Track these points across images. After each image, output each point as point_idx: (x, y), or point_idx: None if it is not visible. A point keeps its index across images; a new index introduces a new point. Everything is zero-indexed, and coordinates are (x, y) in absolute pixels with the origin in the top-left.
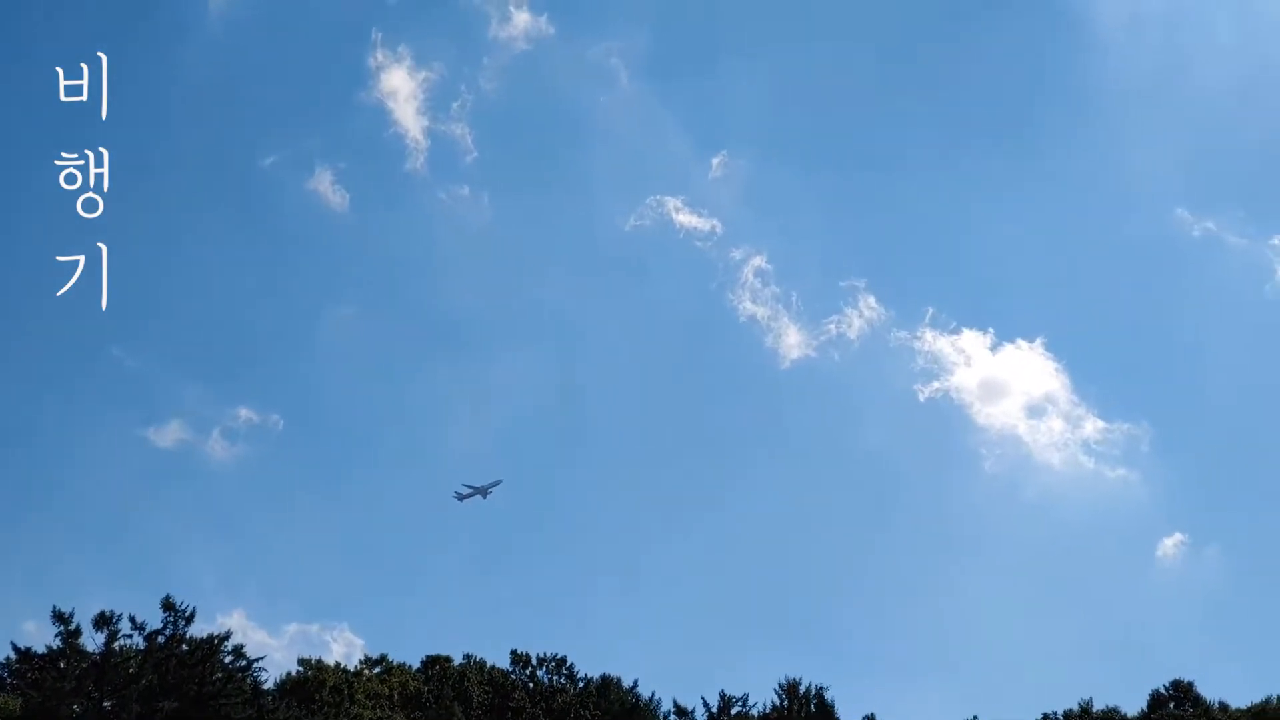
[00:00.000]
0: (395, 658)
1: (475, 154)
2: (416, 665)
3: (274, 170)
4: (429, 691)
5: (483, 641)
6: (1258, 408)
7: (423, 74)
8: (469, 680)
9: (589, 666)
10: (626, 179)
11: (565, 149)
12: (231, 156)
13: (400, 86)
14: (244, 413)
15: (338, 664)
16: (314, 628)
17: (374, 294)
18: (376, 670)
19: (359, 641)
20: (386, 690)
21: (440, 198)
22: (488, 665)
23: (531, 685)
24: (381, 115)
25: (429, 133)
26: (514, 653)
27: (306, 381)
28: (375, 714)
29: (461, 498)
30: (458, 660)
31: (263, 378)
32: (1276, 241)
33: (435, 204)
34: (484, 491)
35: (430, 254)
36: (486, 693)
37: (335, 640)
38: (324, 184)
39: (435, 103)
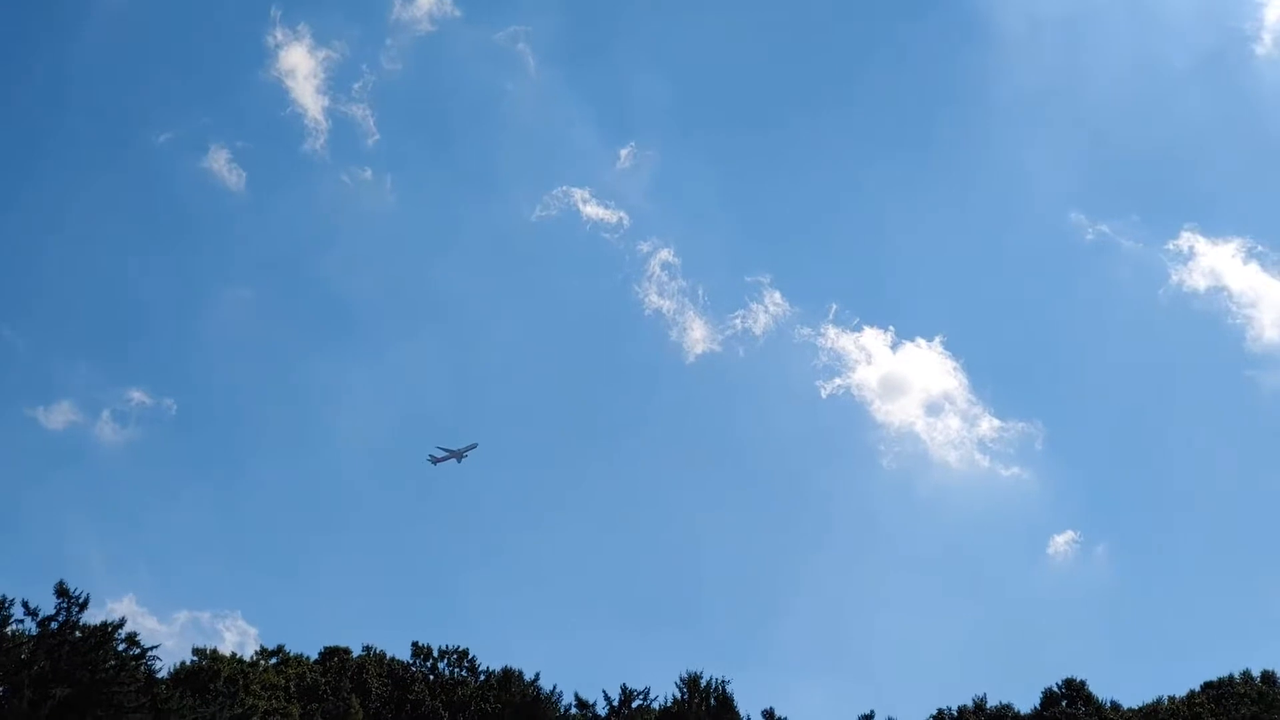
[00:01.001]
0: (292, 648)
1: (377, 136)
2: (314, 656)
3: (168, 147)
4: (326, 683)
5: (383, 633)
6: (1148, 410)
7: (323, 53)
8: (368, 672)
9: (491, 659)
10: (533, 168)
11: (471, 135)
12: (125, 133)
13: (299, 65)
14: (136, 395)
15: (233, 654)
16: (205, 615)
17: (272, 276)
18: (273, 661)
19: (252, 630)
20: (283, 681)
21: (341, 180)
22: (387, 657)
23: (432, 677)
24: (280, 94)
25: (329, 113)
26: (415, 644)
27: (200, 364)
28: (271, 705)
29: (435, 461)
30: (357, 652)
31: (155, 359)
32: (1170, 246)
33: (336, 186)
34: (459, 455)
35: (330, 237)
36: (385, 685)
37: (228, 628)
38: (220, 162)
39: (336, 83)
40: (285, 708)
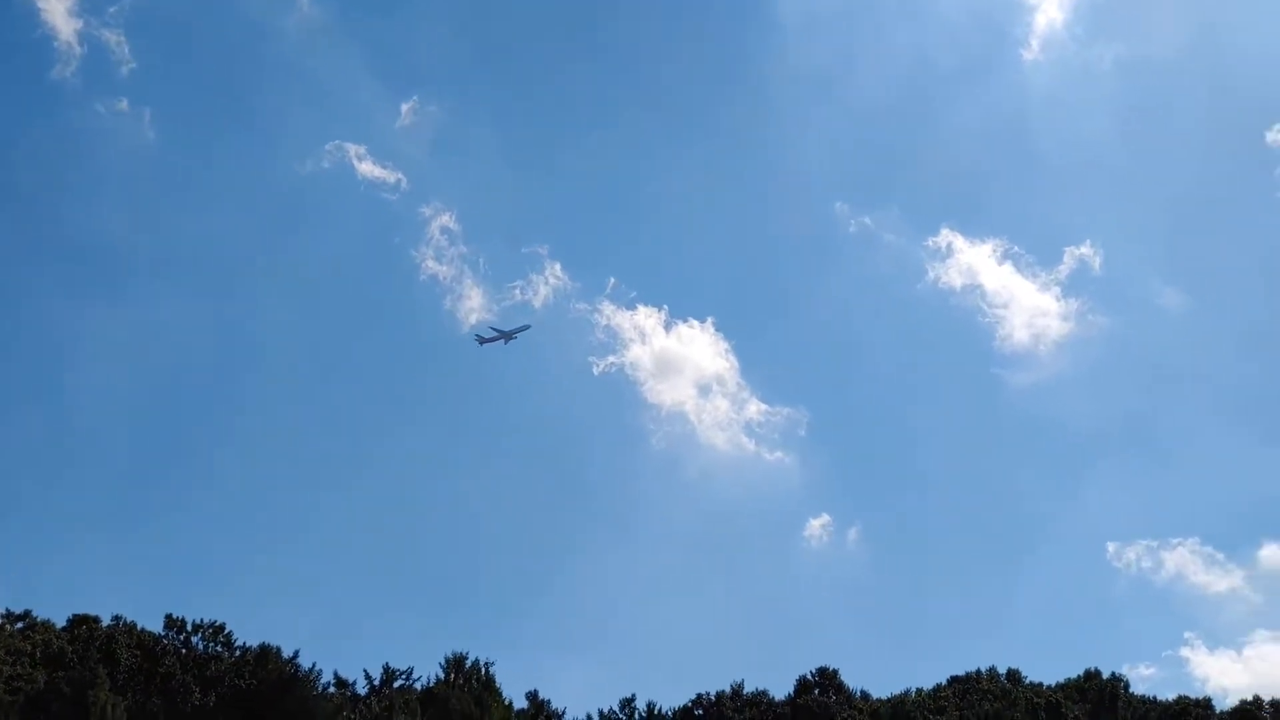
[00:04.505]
0: (39, 614)
1: (133, 65)
2: (62, 624)
3: None
4: (74, 652)
5: (135, 603)
6: (902, 401)
7: None
8: (117, 643)
9: (248, 635)
10: (306, 119)
11: (237, 73)
12: None
13: None
14: None
15: None
16: None
17: (15, 210)
18: (18, 626)
19: None
20: (28, 647)
21: (95, 110)
22: (138, 628)
23: (185, 651)
24: (30, 14)
25: (83, 37)
26: (168, 617)
27: None
28: (16, 670)
29: (483, 341)
30: (106, 621)
31: None
32: (930, 243)
33: (89, 117)
34: (508, 336)
35: (81, 170)
36: (135, 656)
37: None
38: None
39: (90, 4)
40: (30, 674)
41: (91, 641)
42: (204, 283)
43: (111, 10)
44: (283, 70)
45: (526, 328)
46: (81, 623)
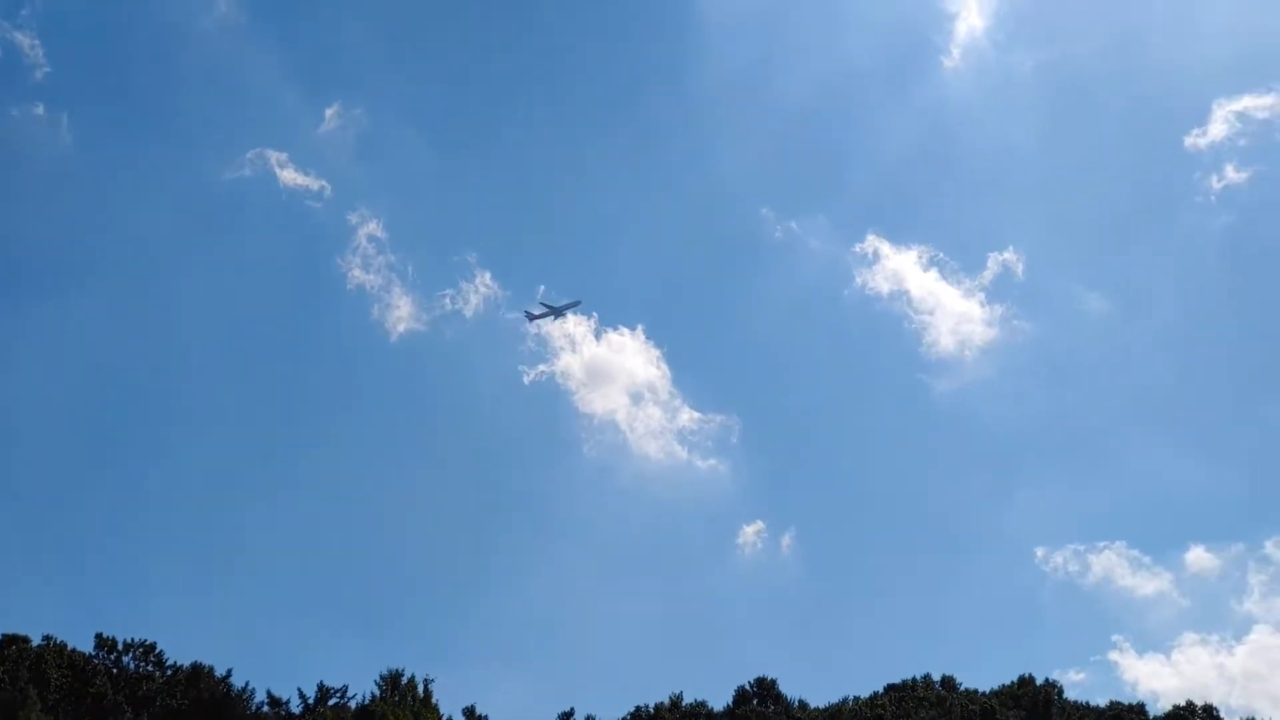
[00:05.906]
0: None
1: (48, 69)
2: None
3: None
4: (4, 672)
5: (64, 623)
6: (831, 407)
7: None
8: (47, 663)
9: (180, 654)
10: (225, 124)
11: (155, 77)
12: None
13: None
14: None
15: None
16: None
17: None
18: None
19: None
20: None
21: (11, 114)
22: (69, 648)
23: (116, 671)
24: None
25: None
26: (99, 636)
27: None
28: None
29: (532, 317)
30: (36, 641)
31: None
32: (857, 249)
33: (5, 121)
34: (559, 311)
35: None
36: (66, 676)
37: None
38: None
39: (1, 7)
40: None
41: (21, 661)
42: (124, 291)
43: (24, 13)
44: (202, 74)
45: (578, 303)
46: (11, 642)
